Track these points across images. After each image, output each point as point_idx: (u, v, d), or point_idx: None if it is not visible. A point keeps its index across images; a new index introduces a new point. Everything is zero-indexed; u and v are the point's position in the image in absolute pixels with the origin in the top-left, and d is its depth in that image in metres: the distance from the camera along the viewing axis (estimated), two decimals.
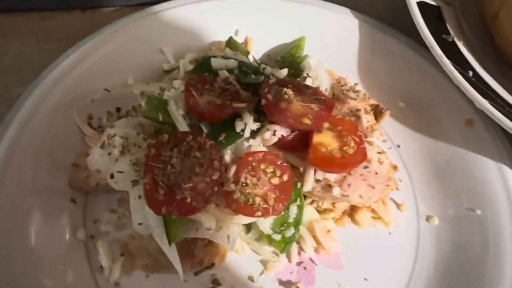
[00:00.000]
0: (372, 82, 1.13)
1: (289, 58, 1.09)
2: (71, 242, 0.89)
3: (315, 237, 0.93)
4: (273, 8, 1.15)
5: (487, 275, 0.87)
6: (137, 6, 1.26)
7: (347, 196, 0.88)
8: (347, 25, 1.15)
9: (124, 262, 0.89)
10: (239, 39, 1.14)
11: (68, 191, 0.94)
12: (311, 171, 0.88)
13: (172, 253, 0.81)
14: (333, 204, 0.94)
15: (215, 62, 0.94)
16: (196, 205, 0.77)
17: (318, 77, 1.00)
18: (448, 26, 1.09)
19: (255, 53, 1.15)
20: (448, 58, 1.00)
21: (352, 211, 0.97)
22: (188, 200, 0.76)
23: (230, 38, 1.07)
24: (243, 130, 0.86)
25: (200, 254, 0.86)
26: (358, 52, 1.15)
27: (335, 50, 1.14)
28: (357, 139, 0.88)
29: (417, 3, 1.08)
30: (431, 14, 1.09)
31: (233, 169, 0.83)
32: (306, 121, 0.85)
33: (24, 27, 1.23)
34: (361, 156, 0.86)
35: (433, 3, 1.11)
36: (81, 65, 1.02)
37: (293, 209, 0.88)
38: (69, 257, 0.87)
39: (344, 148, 0.87)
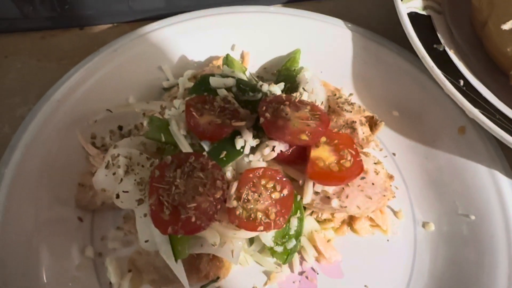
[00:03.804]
0: (366, 92, 1.16)
1: (285, 72, 1.12)
2: (80, 260, 0.92)
3: (315, 247, 0.96)
4: (268, 22, 1.18)
5: (483, 279, 0.91)
6: (134, 23, 1.29)
7: (346, 207, 0.91)
8: (340, 36, 1.18)
9: (132, 277, 0.91)
10: (236, 54, 1.17)
11: (75, 210, 0.97)
12: (310, 184, 0.90)
13: (178, 268, 0.84)
14: (332, 214, 0.97)
15: (214, 81, 0.96)
16: (201, 223, 0.79)
17: (314, 90, 1.03)
18: (438, 35, 1.12)
19: (252, 66, 1.18)
20: (440, 67, 1.03)
21: (351, 220, 1.00)
22: (193, 219, 0.79)
23: (227, 55, 1.09)
24: (243, 147, 0.89)
25: (205, 268, 0.89)
26: (352, 63, 1.17)
27: (329, 62, 1.17)
28: (354, 152, 0.90)
29: (408, 14, 1.11)
30: (422, 24, 1.12)
31: (234, 186, 0.85)
32: (304, 137, 0.88)
33: (24, 47, 1.25)
34: (357, 168, 0.89)
35: (423, 13, 1.14)
36: (83, 86, 1.05)
37: (294, 222, 0.91)
38: (79, 275, 0.90)
39: (341, 161, 0.89)
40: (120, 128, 1.06)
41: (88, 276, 0.92)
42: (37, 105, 1.01)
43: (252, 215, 0.84)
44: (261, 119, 0.88)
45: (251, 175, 0.86)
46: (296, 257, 0.96)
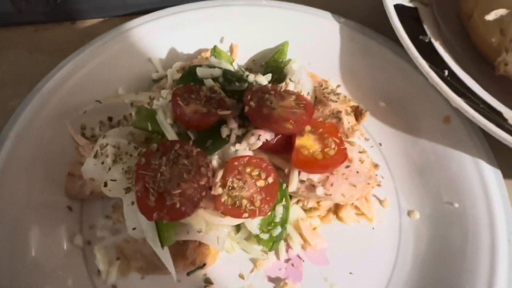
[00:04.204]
0: (353, 83, 1.17)
1: (273, 63, 1.13)
2: (69, 248, 0.94)
3: (301, 235, 0.97)
4: (257, 15, 1.19)
5: (466, 266, 0.91)
6: (125, 17, 1.30)
7: (330, 195, 0.92)
8: (328, 28, 1.19)
9: (120, 265, 0.93)
10: (225, 46, 1.18)
11: (64, 200, 0.98)
12: (295, 172, 0.91)
13: (165, 255, 0.86)
14: (318, 202, 0.98)
15: (201, 72, 0.98)
16: (186, 210, 0.81)
17: (300, 81, 1.04)
18: (425, 26, 1.13)
19: (241, 58, 1.19)
20: (425, 58, 1.04)
21: (336, 208, 1.01)
22: (178, 205, 0.80)
23: (215, 47, 1.10)
24: (228, 136, 0.90)
25: (192, 255, 0.91)
26: (340, 55, 1.18)
27: (317, 53, 1.18)
28: (338, 141, 0.92)
29: (395, 6, 1.12)
30: (409, 16, 1.13)
31: (220, 173, 0.87)
32: (288, 125, 0.89)
33: (17, 40, 1.27)
34: (341, 157, 0.90)
35: (410, 5, 1.15)
36: (73, 77, 1.06)
37: (280, 209, 0.92)
38: (68, 263, 0.92)
39: (326, 149, 0.91)
40: (110, 119, 1.07)
41: (77, 264, 0.93)
42: (28, 97, 1.02)
43: (237, 202, 0.86)
44: (246, 108, 0.90)
45: (236, 163, 0.88)
46: (282, 245, 0.97)
